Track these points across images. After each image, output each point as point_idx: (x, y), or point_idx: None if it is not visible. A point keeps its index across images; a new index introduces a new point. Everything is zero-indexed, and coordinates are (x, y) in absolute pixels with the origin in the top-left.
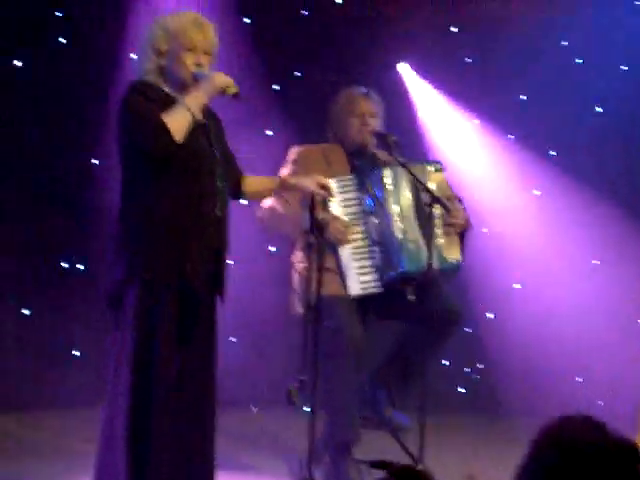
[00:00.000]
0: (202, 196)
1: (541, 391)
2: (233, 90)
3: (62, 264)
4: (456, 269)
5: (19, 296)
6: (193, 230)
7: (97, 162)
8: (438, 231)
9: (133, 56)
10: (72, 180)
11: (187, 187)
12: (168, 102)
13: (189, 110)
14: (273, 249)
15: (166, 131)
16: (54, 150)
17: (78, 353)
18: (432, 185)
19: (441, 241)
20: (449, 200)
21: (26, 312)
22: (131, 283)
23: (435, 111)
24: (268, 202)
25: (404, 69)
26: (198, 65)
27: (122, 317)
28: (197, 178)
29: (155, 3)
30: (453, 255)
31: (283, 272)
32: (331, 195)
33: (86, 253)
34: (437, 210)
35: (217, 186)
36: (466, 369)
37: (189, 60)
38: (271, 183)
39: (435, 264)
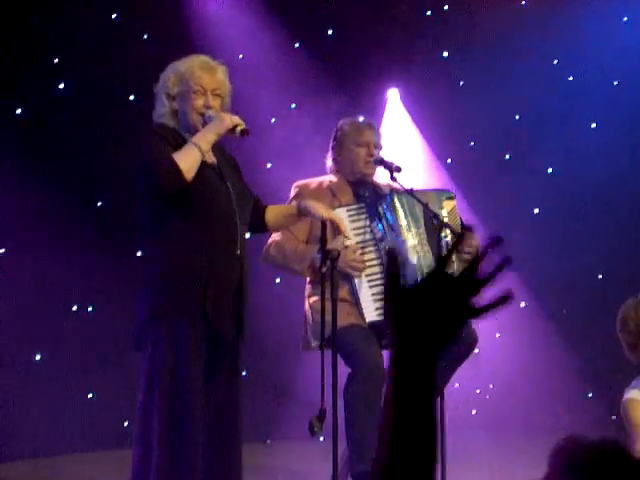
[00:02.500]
0: (221, 237)
1: (551, 409)
2: (241, 128)
3: (73, 307)
4: None
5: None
6: (214, 271)
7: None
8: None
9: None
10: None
11: (206, 229)
12: (181, 143)
13: (198, 148)
14: (278, 280)
15: (176, 168)
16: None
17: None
18: (444, 211)
19: (454, 266)
20: (464, 229)
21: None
22: (155, 325)
23: (405, 146)
24: (275, 237)
25: (393, 95)
26: (208, 107)
27: (148, 358)
28: (215, 219)
29: None
30: None
31: (291, 303)
32: (341, 228)
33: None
34: (448, 237)
35: (236, 225)
36: (477, 390)
37: (199, 102)
38: (291, 209)
39: None
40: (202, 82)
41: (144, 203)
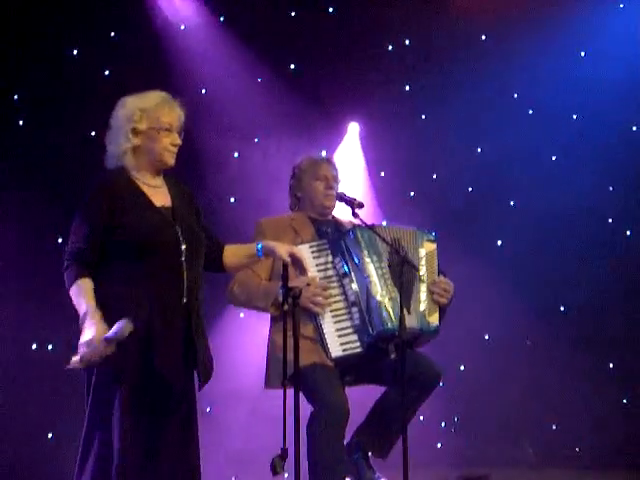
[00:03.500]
0: (166, 286)
1: (518, 440)
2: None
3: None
4: (433, 334)
5: None
6: (158, 324)
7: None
8: (422, 294)
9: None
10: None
11: (148, 279)
12: (130, 190)
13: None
14: (242, 315)
15: (70, 262)
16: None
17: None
18: (422, 251)
19: (425, 304)
20: (440, 273)
21: None
22: (100, 379)
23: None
24: (238, 275)
25: (353, 129)
26: (174, 145)
27: (94, 404)
28: (159, 269)
29: None
30: (433, 320)
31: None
32: (303, 265)
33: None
34: (422, 273)
35: (182, 273)
36: (443, 423)
37: (167, 139)
38: (252, 249)
39: (415, 323)
40: (170, 119)
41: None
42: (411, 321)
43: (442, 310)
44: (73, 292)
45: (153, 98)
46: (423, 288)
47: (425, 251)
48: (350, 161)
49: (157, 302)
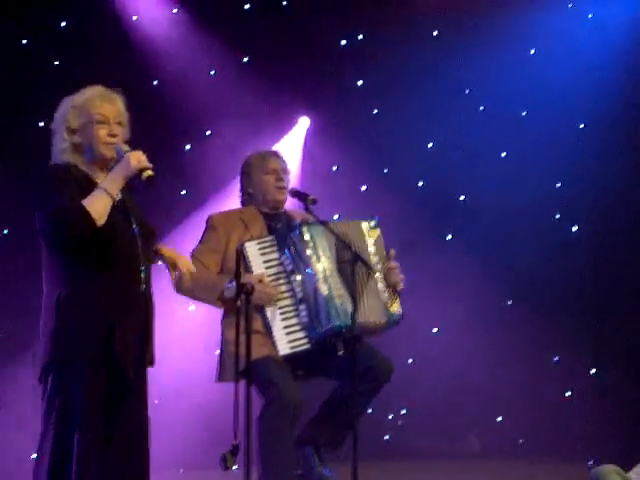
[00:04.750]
0: (125, 274)
1: (463, 432)
2: (148, 174)
3: None
4: (398, 322)
5: None
6: (119, 309)
7: None
8: (379, 285)
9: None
10: None
11: (110, 267)
12: (84, 182)
13: (108, 194)
14: (192, 308)
15: (87, 216)
16: None
17: None
18: (370, 240)
19: (385, 295)
20: (388, 257)
21: None
22: (58, 363)
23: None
24: None
25: (303, 123)
26: (112, 136)
27: (48, 394)
28: (119, 257)
29: None
30: (395, 309)
31: (205, 333)
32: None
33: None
34: (377, 265)
35: (139, 263)
36: (389, 415)
37: (102, 132)
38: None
39: (381, 318)
40: (103, 111)
41: (43, 244)
42: (374, 316)
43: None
44: (88, 205)
45: (87, 93)
46: (379, 279)
47: (372, 239)
48: (298, 155)
49: (119, 290)
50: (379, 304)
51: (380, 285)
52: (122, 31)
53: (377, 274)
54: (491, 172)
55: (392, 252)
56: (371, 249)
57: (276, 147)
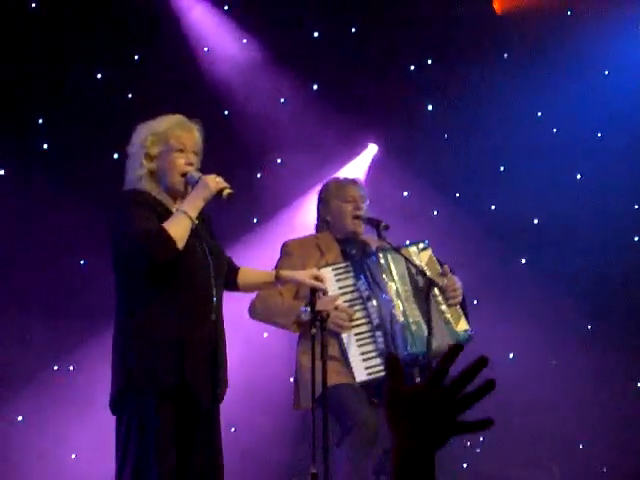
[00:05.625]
0: (197, 303)
1: (542, 460)
2: (228, 192)
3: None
4: (469, 340)
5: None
6: (189, 338)
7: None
8: (443, 307)
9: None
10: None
11: (181, 295)
12: (160, 209)
13: (187, 216)
14: (266, 335)
15: (168, 238)
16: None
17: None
18: (423, 263)
19: (448, 316)
20: (443, 275)
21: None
22: (127, 396)
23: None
24: (261, 292)
25: (372, 150)
26: (189, 164)
27: (124, 424)
28: (191, 285)
29: None
30: (463, 327)
31: (280, 359)
32: (323, 287)
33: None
34: (436, 289)
35: (212, 290)
36: (467, 443)
37: (180, 160)
38: (268, 277)
39: (449, 340)
40: (183, 140)
41: (120, 272)
42: (444, 339)
43: (464, 308)
44: (168, 228)
45: (166, 121)
46: (442, 300)
47: (425, 261)
48: (370, 181)
49: (189, 319)
50: (445, 326)
51: (442, 307)
52: (194, 62)
53: (439, 297)
54: (565, 195)
55: (446, 268)
56: (426, 270)
57: (342, 173)
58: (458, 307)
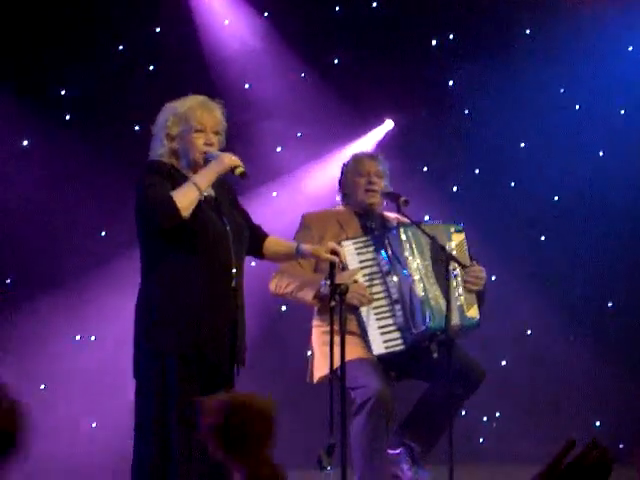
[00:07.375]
0: (216, 270)
1: (557, 436)
2: (240, 170)
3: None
4: (474, 327)
5: None
6: (208, 305)
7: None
8: (459, 289)
9: None
10: None
11: (201, 263)
12: (181, 179)
13: (196, 187)
14: (284, 308)
15: (173, 205)
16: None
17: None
18: (452, 244)
19: (462, 299)
20: (471, 260)
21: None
22: (149, 359)
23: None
24: (282, 266)
25: (388, 125)
26: (209, 145)
27: (144, 386)
28: (210, 253)
29: None
30: (472, 313)
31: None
32: (342, 261)
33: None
34: (456, 269)
35: (232, 258)
36: (484, 417)
37: (200, 140)
38: (290, 249)
39: (457, 320)
40: (203, 121)
41: (141, 238)
42: (452, 318)
43: (480, 299)
44: (175, 196)
45: (188, 102)
46: (460, 282)
47: (455, 243)
48: (391, 157)
49: (210, 285)
50: (456, 307)
51: (460, 289)
52: (215, 35)
53: (458, 278)
54: (587, 172)
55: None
56: (453, 251)
57: (359, 148)
58: (474, 295)
